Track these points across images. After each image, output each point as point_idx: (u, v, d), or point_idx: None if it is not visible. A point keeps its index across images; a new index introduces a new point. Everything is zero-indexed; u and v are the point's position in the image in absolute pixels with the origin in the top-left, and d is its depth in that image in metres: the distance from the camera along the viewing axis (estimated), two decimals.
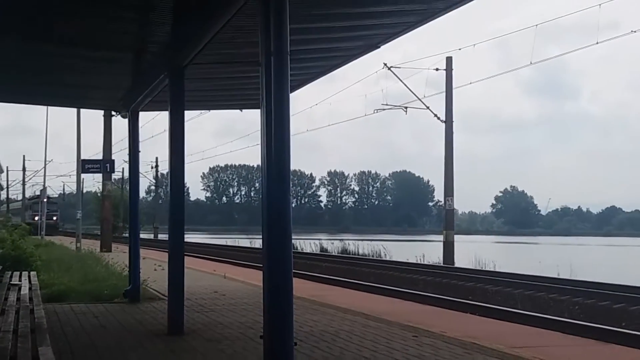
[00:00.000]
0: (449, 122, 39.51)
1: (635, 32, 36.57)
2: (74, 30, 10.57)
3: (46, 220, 63.18)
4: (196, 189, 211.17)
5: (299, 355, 7.95)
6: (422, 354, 9.12)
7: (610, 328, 14.66)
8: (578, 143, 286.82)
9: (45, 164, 72.76)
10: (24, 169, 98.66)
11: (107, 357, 9.02)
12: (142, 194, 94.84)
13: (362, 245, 52.74)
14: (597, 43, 38.97)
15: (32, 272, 18.61)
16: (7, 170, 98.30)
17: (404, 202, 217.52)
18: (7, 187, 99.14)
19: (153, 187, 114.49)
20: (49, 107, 41.88)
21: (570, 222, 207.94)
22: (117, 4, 9.24)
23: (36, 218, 58.81)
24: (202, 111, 26.07)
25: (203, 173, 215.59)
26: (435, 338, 10.27)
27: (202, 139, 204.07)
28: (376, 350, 9.33)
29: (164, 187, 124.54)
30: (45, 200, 64.33)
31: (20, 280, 16.04)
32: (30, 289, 14.66)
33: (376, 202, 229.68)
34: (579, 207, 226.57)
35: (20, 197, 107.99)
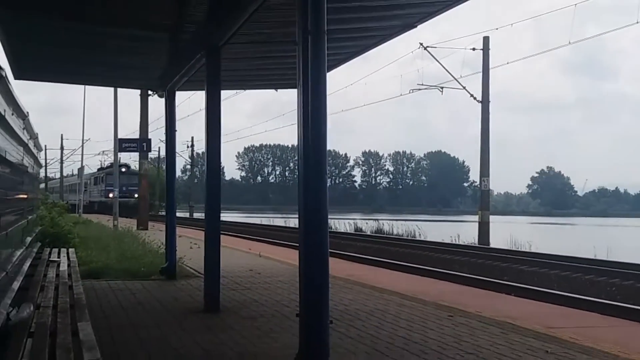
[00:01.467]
0: (485, 102, 39.16)
1: None
2: (113, 10, 10.63)
3: (124, 198, 55.37)
4: (231, 169, 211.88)
5: (335, 334, 7.99)
6: (458, 333, 9.12)
7: None
8: (616, 124, 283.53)
9: (82, 143, 72.74)
10: (62, 148, 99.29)
11: (144, 333, 9.11)
12: (178, 172, 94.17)
13: (397, 225, 52.57)
14: (638, 22, 38.63)
15: (70, 249, 18.82)
16: (46, 149, 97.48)
17: (438, 183, 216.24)
18: (46, 166, 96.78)
19: (189, 167, 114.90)
20: (87, 87, 42.08)
21: (607, 204, 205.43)
22: None
23: (111, 195, 44.35)
24: (238, 91, 25.94)
25: (238, 153, 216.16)
26: (470, 318, 10.25)
27: (237, 119, 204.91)
28: (411, 330, 9.34)
29: (199, 166, 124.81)
30: (123, 170, 57.82)
31: (59, 257, 16.21)
32: (69, 265, 14.84)
33: (410, 183, 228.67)
34: (616, 188, 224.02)
35: (58, 176, 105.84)
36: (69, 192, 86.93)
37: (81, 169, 68.05)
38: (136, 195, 56.80)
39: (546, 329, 9.40)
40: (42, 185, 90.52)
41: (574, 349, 8.19)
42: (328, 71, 7.07)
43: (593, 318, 11.61)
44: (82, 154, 68.50)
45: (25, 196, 12.71)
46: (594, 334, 9.20)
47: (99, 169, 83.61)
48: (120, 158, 44.00)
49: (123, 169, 56.10)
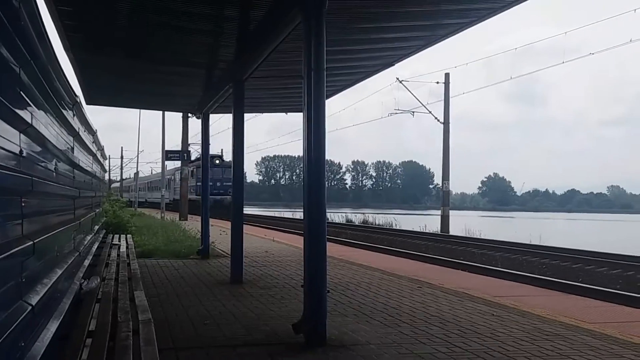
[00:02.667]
0: (446, 123, 39.29)
1: (593, 54, 36.52)
2: (164, 51, 10.64)
3: (218, 195, 42.72)
4: (251, 174, 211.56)
5: (331, 300, 7.99)
6: (425, 300, 9.12)
7: (570, 282, 14.60)
8: (545, 140, 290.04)
9: (138, 154, 72.62)
10: (121, 157, 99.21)
11: (185, 300, 9.12)
12: None
13: (378, 217, 52.63)
14: (563, 62, 39.40)
15: (128, 235, 18.86)
16: (109, 158, 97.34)
17: (410, 185, 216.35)
18: (109, 171, 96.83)
19: None
20: (141, 110, 41.98)
21: (539, 201, 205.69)
22: (198, 32, 9.28)
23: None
24: (257, 114, 26.00)
25: (257, 161, 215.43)
26: (435, 289, 10.25)
27: (256, 135, 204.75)
28: (389, 297, 9.35)
29: None
30: (217, 162, 41.66)
31: (119, 241, 16.25)
32: (127, 247, 14.87)
33: (389, 185, 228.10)
34: (546, 189, 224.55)
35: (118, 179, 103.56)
36: (149, 190, 69.38)
37: (136, 174, 68.17)
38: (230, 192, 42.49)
39: (493, 297, 9.39)
40: (117, 184, 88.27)
41: (514, 313, 8.19)
42: (326, 99, 7.07)
43: (528, 289, 11.63)
44: (137, 162, 68.52)
45: (93, 194, 12.71)
46: (529, 301, 9.20)
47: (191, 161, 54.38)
48: (166, 165, 43.87)
49: (217, 161, 42.24)
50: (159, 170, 49.13)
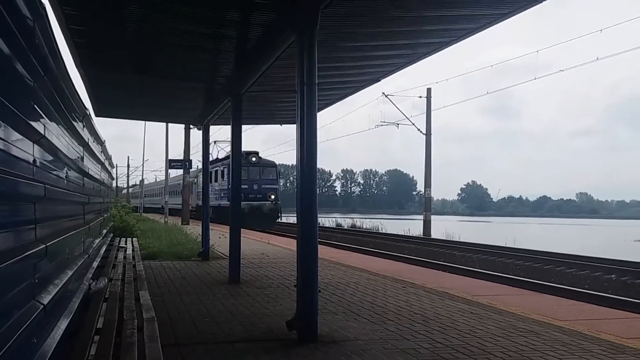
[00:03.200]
0: (428, 134, 39.38)
1: (562, 71, 37.06)
2: (168, 68, 10.63)
3: (257, 202, 33.46)
4: None
5: (322, 299, 7.98)
6: (409, 299, 9.11)
7: (542, 282, 14.63)
8: (519, 151, 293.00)
9: (143, 162, 72.80)
10: (128, 166, 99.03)
11: (186, 299, 9.08)
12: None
13: (365, 222, 52.51)
14: (535, 78, 39.88)
15: (134, 238, 18.77)
16: (117, 166, 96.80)
17: (395, 192, 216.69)
18: (117, 178, 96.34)
19: None
20: (147, 122, 41.89)
21: (514, 207, 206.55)
22: (199, 49, 9.28)
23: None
24: (253, 125, 26.00)
25: None
26: (418, 288, 10.24)
27: (253, 145, 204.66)
28: (376, 297, 9.34)
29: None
30: (253, 159, 33.92)
31: (125, 244, 16.17)
32: (132, 250, 14.81)
33: (375, 192, 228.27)
34: (520, 196, 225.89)
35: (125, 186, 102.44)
36: (163, 196, 47.68)
37: (142, 181, 67.87)
38: (272, 197, 34.94)
39: (471, 297, 9.40)
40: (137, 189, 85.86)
41: (491, 311, 8.20)
42: (318, 112, 7.08)
43: (504, 288, 11.63)
44: (143, 170, 68.40)
45: (102, 200, 12.65)
46: (505, 300, 9.20)
47: (212, 162, 36.42)
48: (169, 173, 43.70)
49: (253, 159, 33.95)
50: (175, 174, 46.03)
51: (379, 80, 11.56)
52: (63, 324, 4.60)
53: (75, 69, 10.37)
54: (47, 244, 4.05)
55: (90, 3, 7.24)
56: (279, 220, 37.32)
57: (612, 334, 6.81)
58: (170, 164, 29.20)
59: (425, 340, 6.48)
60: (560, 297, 10.60)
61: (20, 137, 3.42)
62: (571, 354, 5.97)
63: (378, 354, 5.91)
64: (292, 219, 50.32)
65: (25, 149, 3.60)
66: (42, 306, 3.69)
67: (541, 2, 7.09)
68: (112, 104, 14.40)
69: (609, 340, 6.53)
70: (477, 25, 8.17)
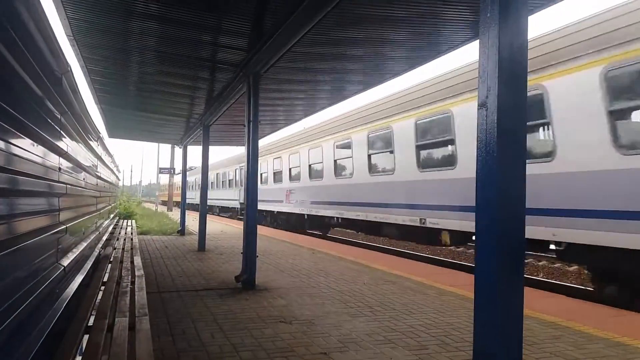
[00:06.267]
0: None
1: None
2: (160, 107, 10.27)
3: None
4: None
5: (259, 261, 8.00)
6: (316, 260, 9.09)
7: (402, 250, 14.31)
8: None
9: (141, 169, 69.51)
10: (131, 171, 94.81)
11: (167, 261, 8.84)
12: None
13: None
14: None
15: (133, 220, 18.05)
16: (123, 172, 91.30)
17: None
18: (124, 180, 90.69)
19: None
20: (143, 142, 40.07)
21: None
22: (181, 95, 9.06)
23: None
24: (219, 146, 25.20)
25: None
26: (323, 254, 10.24)
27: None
28: (294, 260, 9.33)
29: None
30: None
31: (128, 225, 15.54)
32: (132, 228, 14.23)
33: None
34: None
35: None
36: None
37: (139, 183, 64.94)
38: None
39: (355, 258, 9.45)
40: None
41: (369, 269, 8.33)
42: (260, 139, 7.09)
43: (375, 255, 11.50)
44: (141, 175, 65.32)
45: (110, 194, 12.16)
46: (375, 260, 9.32)
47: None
48: (160, 177, 42.01)
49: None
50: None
51: (306, 117, 10.83)
52: (79, 279, 4.44)
53: (95, 106, 9.97)
54: (67, 225, 3.93)
55: (106, 63, 6.98)
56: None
57: (442, 283, 7.09)
58: (160, 170, 28.18)
59: (325, 287, 6.60)
60: (414, 261, 10.92)
61: (49, 152, 3.34)
62: (414, 295, 6.26)
63: (294, 296, 6.01)
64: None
65: (53, 161, 3.50)
66: (62, 267, 3.58)
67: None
68: (120, 129, 13.83)
69: (440, 287, 6.85)
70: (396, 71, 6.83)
